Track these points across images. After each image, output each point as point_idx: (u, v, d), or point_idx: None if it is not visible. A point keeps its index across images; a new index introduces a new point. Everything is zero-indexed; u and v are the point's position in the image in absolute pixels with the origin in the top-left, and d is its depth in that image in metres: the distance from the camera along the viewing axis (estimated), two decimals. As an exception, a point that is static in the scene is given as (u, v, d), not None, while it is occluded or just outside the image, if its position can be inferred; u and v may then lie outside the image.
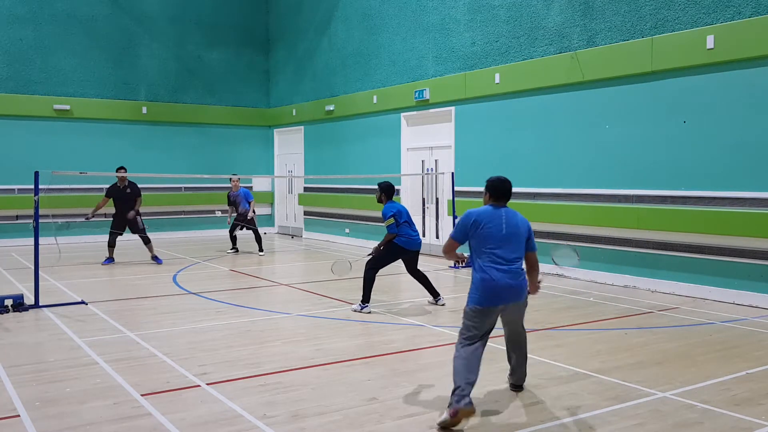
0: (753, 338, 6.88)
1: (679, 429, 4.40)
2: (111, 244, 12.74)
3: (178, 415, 4.64)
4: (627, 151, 9.95)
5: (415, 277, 8.80)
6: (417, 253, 8.69)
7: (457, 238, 5.03)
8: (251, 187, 18.71)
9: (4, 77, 15.98)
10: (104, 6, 17.12)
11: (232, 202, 14.27)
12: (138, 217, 12.69)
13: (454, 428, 4.39)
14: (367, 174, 15.15)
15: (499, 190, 5.04)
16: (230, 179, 14.31)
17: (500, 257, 4.85)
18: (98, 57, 17.06)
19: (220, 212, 12.08)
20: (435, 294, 8.75)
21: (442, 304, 8.67)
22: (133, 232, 12.74)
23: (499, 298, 4.81)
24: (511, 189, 5.04)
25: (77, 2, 16.76)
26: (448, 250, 5.16)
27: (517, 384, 5.27)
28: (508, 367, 5.25)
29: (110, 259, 12.77)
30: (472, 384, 4.62)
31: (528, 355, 5.29)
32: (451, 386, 4.58)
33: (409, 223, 8.55)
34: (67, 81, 16.70)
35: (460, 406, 4.44)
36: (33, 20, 16.25)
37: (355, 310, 8.19)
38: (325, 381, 5.43)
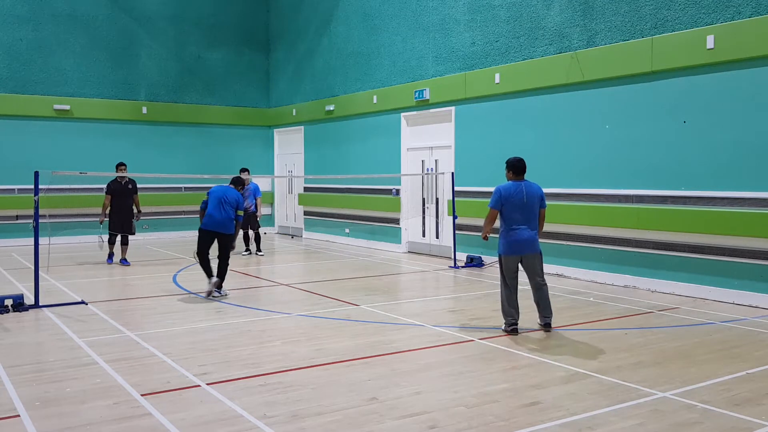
0: (753, 338, 6.88)
1: (679, 429, 4.40)
2: (111, 242, 12.79)
3: (178, 415, 4.64)
4: (627, 151, 9.95)
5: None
6: (215, 234, 9.27)
7: (496, 206, 6.89)
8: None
9: (4, 77, 15.98)
10: (104, 6, 17.12)
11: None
12: (134, 220, 12.77)
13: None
14: (367, 174, 15.16)
15: (517, 168, 6.95)
16: (241, 171, 14.15)
17: (521, 219, 6.83)
18: (98, 57, 17.07)
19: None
20: (210, 274, 9.22)
21: (219, 292, 9.17)
22: (125, 231, 12.69)
23: (520, 248, 6.89)
24: (525, 166, 7.00)
25: (77, 2, 16.77)
26: (491, 219, 6.97)
27: (548, 322, 7.05)
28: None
29: (112, 256, 12.83)
30: (513, 314, 6.93)
31: (552, 310, 7.19)
32: (453, 385, 4.61)
33: (216, 205, 9.22)
34: (67, 81, 16.70)
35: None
36: (33, 20, 16.25)
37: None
38: (325, 381, 5.43)
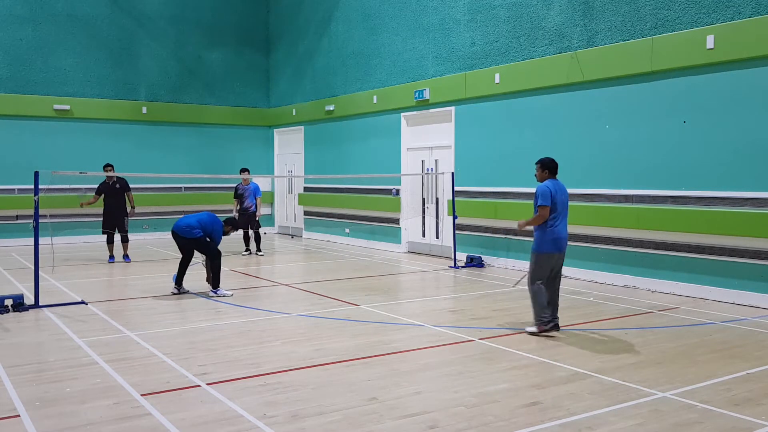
0: (753, 338, 6.88)
1: (679, 429, 4.40)
2: (110, 241, 12.94)
3: (178, 415, 4.64)
4: (627, 151, 9.95)
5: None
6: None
7: (549, 203, 6.92)
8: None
9: (4, 77, 15.98)
10: (104, 6, 17.12)
11: (239, 194, 14.09)
12: (126, 218, 12.97)
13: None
14: (367, 174, 15.16)
15: (553, 168, 7.13)
16: (240, 171, 14.21)
17: (561, 217, 7.00)
18: (98, 57, 17.06)
19: None
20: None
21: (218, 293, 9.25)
22: (119, 231, 12.91)
23: (562, 245, 7.03)
24: (557, 166, 7.21)
25: (77, 2, 16.76)
26: (546, 215, 6.93)
27: (557, 321, 6.98)
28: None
29: (113, 257, 13.00)
30: (549, 311, 6.96)
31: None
32: (453, 385, 4.58)
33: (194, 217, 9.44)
34: (67, 81, 16.70)
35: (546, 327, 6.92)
36: (33, 20, 16.25)
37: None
38: (325, 381, 5.43)
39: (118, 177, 12.92)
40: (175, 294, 9.39)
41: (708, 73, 8.97)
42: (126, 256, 13.07)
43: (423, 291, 10.37)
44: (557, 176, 7.20)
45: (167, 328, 7.40)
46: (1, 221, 15.83)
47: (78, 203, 13.84)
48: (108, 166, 13.03)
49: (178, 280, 9.53)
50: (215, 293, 9.27)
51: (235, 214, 13.92)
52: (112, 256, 12.96)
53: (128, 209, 13.02)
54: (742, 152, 8.61)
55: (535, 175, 7.25)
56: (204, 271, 9.72)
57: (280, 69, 19.17)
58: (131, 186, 13.31)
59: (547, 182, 7.05)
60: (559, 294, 7.24)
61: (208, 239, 9.32)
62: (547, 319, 6.92)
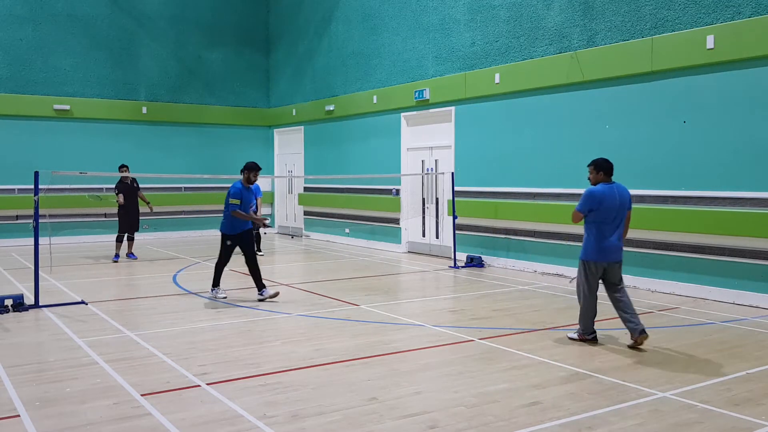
0: (753, 338, 6.88)
1: (679, 429, 4.40)
2: (119, 240, 13.14)
3: (178, 415, 4.64)
4: (627, 151, 9.94)
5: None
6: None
7: (583, 210, 6.51)
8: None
9: (4, 77, 15.98)
10: (104, 6, 17.11)
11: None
12: (139, 218, 13.27)
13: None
14: (367, 174, 15.16)
15: (607, 168, 6.56)
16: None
17: (612, 225, 6.49)
18: (98, 57, 17.06)
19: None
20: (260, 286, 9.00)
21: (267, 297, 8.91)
22: (134, 230, 13.28)
23: (610, 255, 6.49)
24: (613, 166, 6.62)
25: (77, 2, 16.76)
26: (577, 220, 6.61)
27: (642, 327, 6.35)
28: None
29: (118, 255, 13.17)
30: (590, 322, 6.56)
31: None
32: (453, 385, 4.56)
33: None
34: (67, 81, 16.69)
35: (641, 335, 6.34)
36: (33, 20, 16.25)
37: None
38: (325, 381, 5.43)
39: (131, 177, 13.18)
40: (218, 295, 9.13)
41: (708, 73, 8.97)
42: (131, 254, 13.24)
43: (423, 291, 10.37)
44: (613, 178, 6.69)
45: (167, 328, 7.40)
46: (1, 221, 15.83)
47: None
48: (123, 167, 13.26)
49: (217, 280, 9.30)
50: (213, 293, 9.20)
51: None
52: (117, 255, 13.12)
53: (148, 208, 13.30)
54: (742, 152, 8.61)
55: (589, 178, 6.70)
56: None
57: (280, 69, 19.17)
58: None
59: (598, 186, 6.53)
60: (629, 302, 6.53)
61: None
62: (589, 330, 6.60)
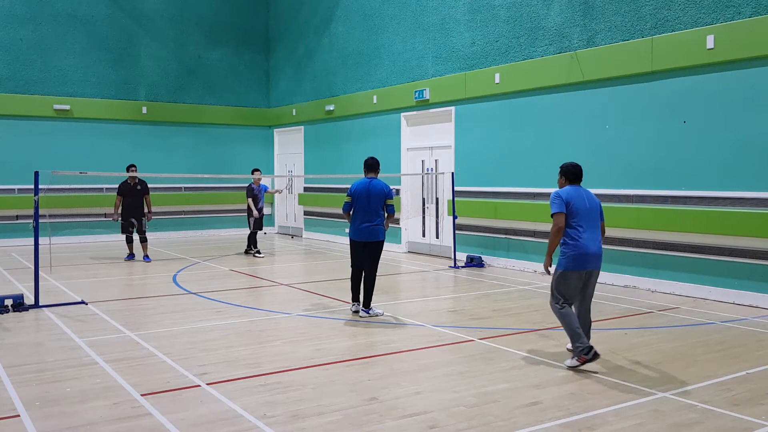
0: (753, 338, 6.88)
1: (679, 429, 4.40)
2: (129, 240, 13.16)
3: (178, 415, 4.64)
4: (627, 151, 9.94)
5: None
6: (365, 244, 7.92)
7: (562, 209, 5.84)
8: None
9: (4, 77, 15.98)
10: (104, 6, 17.12)
11: (254, 195, 14.08)
12: (144, 219, 13.16)
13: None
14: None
15: (573, 174, 6.10)
16: (253, 172, 14.23)
17: (585, 228, 5.84)
18: (98, 57, 17.06)
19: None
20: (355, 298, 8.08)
21: (368, 312, 7.92)
22: (137, 231, 13.15)
23: (587, 262, 5.83)
24: (582, 172, 6.14)
25: (77, 2, 16.76)
26: (559, 231, 5.84)
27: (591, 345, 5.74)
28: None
29: (132, 255, 13.19)
30: (581, 335, 5.72)
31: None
32: (453, 385, 4.57)
33: (365, 206, 7.84)
34: (67, 81, 16.69)
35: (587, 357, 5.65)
36: (33, 20, 16.25)
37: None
38: (325, 381, 5.43)
39: (139, 179, 13.13)
40: (363, 315, 7.95)
41: (708, 73, 8.97)
42: (146, 257, 13.13)
43: (423, 291, 10.37)
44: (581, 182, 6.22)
45: (167, 328, 7.40)
46: (1, 221, 15.83)
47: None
48: (132, 167, 13.23)
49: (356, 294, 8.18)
50: (368, 313, 7.95)
51: (256, 214, 13.97)
52: (131, 254, 13.14)
53: (145, 212, 13.18)
54: (742, 152, 8.61)
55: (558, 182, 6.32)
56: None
57: (280, 69, 19.17)
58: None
59: (563, 188, 6.05)
60: (590, 319, 6.15)
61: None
62: (585, 349, 5.67)
